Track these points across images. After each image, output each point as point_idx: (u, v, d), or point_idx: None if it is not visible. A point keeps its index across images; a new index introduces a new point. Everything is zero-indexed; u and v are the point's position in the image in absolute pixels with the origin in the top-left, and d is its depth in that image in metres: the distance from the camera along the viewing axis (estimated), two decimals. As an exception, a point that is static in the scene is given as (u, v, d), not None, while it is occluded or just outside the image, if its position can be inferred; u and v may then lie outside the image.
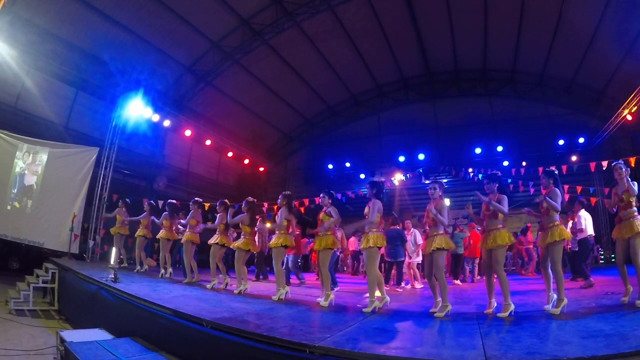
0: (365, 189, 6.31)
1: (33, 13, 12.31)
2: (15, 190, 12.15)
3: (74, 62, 13.87)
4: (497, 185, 5.50)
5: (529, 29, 15.52)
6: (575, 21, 14.21)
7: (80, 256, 12.15)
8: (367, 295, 5.92)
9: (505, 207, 5.30)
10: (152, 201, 11.09)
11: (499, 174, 5.66)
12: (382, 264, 10.28)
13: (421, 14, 15.96)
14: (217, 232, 8.36)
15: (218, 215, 8.39)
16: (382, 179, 17.12)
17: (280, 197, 7.48)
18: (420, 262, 10.17)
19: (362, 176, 19.35)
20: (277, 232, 7.32)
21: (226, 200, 8.53)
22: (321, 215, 6.68)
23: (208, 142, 16.14)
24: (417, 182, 18.58)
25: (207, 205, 11.98)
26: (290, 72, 17.50)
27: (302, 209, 15.75)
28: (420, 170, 18.40)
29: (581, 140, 17.45)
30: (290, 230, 7.39)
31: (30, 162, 12.37)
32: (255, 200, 8.22)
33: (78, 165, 12.35)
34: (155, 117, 13.60)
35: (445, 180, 18.73)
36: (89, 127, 14.69)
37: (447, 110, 19.56)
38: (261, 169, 19.15)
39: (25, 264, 13.53)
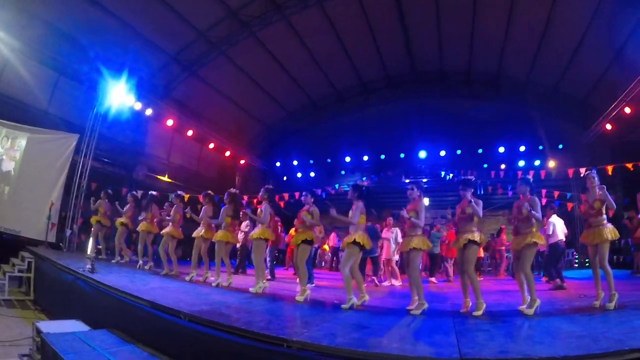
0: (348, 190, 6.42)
1: None
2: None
3: (56, 45, 13.48)
4: (472, 190, 5.73)
5: (516, 33, 15.66)
6: (562, 29, 14.40)
7: (57, 245, 11.91)
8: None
9: (480, 211, 5.51)
10: (134, 192, 10.92)
11: (473, 179, 6.02)
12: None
13: (409, 12, 16.00)
14: (201, 225, 8.27)
15: (203, 207, 8.33)
16: (365, 183, 17.32)
17: (262, 190, 7.45)
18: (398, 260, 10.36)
19: (343, 172, 19.42)
20: (258, 225, 7.31)
21: (210, 192, 8.50)
22: (302, 213, 6.76)
23: (190, 133, 15.92)
24: (398, 180, 18.80)
25: (186, 196, 11.90)
26: (276, 65, 17.36)
27: (281, 204, 15.84)
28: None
29: (560, 146, 17.80)
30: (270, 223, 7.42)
31: (9, 147, 12.05)
32: (237, 192, 8.22)
33: (57, 152, 12.10)
34: (138, 105, 13.36)
35: (424, 180, 19.14)
36: (69, 113, 14.27)
37: (431, 110, 19.64)
38: (242, 161, 18.99)
39: (0, 252, 13.66)
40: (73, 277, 7.24)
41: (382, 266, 10.67)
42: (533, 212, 5.36)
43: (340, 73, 18.85)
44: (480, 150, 18.76)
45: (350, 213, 6.10)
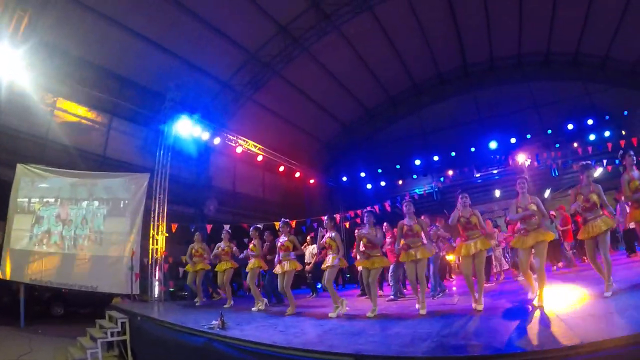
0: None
1: (56, 36, 10.35)
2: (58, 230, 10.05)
3: (105, 86, 11.89)
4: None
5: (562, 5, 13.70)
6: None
7: (140, 296, 9.93)
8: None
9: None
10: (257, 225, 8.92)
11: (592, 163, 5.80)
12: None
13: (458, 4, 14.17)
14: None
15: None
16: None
17: (327, 220, 6.72)
18: None
19: (415, 176, 17.21)
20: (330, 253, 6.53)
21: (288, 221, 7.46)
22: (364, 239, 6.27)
23: (259, 158, 13.90)
24: (469, 177, 16.60)
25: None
26: (328, 78, 15.52)
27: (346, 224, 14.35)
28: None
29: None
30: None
31: (71, 198, 10.32)
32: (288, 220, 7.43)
33: (129, 195, 10.20)
34: (205, 135, 11.48)
35: (495, 171, 17.07)
36: (128, 155, 12.60)
37: (487, 101, 17.54)
38: (311, 181, 16.81)
39: (71, 309, 11.68)
40: (205, 339, 5.14)
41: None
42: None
43: (393, 77, 16.87)
44: (549, 131, 16.46)
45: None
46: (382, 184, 17.58)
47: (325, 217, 6.86)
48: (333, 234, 6.52)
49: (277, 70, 14.14)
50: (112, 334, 7.16)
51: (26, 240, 10.06)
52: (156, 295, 9.68)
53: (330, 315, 6.00)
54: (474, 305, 5.31)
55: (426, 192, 16.46)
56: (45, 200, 10.30)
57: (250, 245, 7.63)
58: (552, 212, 10.45)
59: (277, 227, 8.01)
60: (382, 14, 13.84)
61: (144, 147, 12.80)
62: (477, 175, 16.85)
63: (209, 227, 9.65)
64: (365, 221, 6.36)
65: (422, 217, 7.66)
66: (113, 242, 9.79)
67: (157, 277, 9.51)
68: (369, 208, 6.80)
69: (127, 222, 9.85)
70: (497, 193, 17.06)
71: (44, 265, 9.80)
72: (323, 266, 6.60)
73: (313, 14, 13.14)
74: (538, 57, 16.95)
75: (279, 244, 7.00)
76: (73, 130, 11.47)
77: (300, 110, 16.15)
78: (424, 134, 17.75)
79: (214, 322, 5.71)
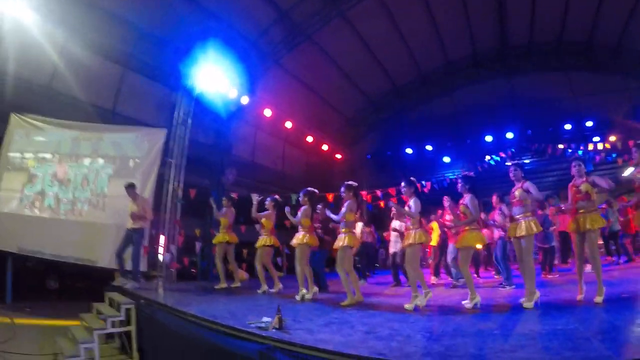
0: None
1: None
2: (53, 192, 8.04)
3: (119, 34, 9.78)
4: (469, 186, 5.03)
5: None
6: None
7: (148, 274, 7.97)
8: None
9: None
10: (276, 197, 6.99)
11: (472, 174, 5.39)
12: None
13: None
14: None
15: (303, 208, 5.97)
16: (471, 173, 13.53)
17: (344, 187, 5.59)
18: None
19: (447, 159, 15.29)
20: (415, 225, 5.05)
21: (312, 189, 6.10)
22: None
23: (288, 125, 11.82)
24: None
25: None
26: (361, 47, 13.38)
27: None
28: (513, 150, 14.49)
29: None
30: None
31: (71, 154, 8.31)
32: (315, 190, 6.17)
33: (139, 154, 8.17)
34: (233, 92, 9.40)
35: (527, 161, 15.28)
36: (140, 112, 10.51)
37: (522, 86, 15.62)
38: (338, 156, 14.74)
39: (68, 283, 9.80)
40: (260, 347, 3.19)
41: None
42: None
43: (427, 53, 14.67)
44: (589, 123, 14.69)
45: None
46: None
47: (402, 183, 5.25)
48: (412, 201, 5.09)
49: (309, 34, 12.02)
50: (113, 324, 5.20)
51: (16, 203, 8.10)
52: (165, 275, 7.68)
53: (406, 306, 4.75)
54: (579, 296, 4.49)
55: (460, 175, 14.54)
56: (40, 155, 8.31)
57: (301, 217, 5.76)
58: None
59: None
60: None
61: (159, 107, 10.76)
62: (509, 163, 15.01)
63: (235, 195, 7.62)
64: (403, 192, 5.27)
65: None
66: (118, 208, 7.65)
67: (170, 252, 7.47)
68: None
69: (137, 184, 7.80)
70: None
71: (35, 232, 7.80)
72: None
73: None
74: (578, 46, 15.05)
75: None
76: (79, 80, 9.33)
77: (327, 81, 14.00)
78: (456, 115, 15.73)
79: (265, 319, 3.77)
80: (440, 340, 3.24)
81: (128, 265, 6.89)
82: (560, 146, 14.24)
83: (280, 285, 6.70)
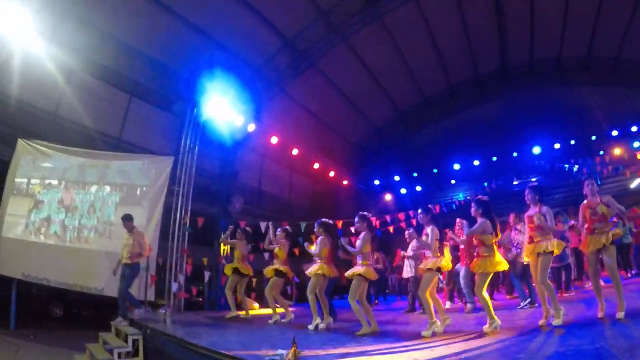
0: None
1: (82, 9, 8.55)
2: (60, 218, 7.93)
3: (127, 63, 9.92)
4: (482, 210, 4.69)
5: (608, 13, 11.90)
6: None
7: (155, 304, 7.73)
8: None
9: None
10: (286, 227, 6.85)
11: (486, 198, 4.89)
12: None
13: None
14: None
15: (320, 239, 5.74)
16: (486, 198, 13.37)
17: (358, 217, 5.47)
18: None
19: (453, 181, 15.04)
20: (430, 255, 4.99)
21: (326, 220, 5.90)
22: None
23: (295, 152, 11.76)
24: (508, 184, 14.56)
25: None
26: (364, 73, 13.51)
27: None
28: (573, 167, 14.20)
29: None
30: None
31: (78, 181, 8.23)
32: (330, 221, 5.97)
33: (146, 182, 8.08)
34: (240, 120, 9.39)
35: (534, 179, 14.78)
36: (146, 140, 10.51)
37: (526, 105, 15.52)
38: (345, 182, 14.64)
39: (74, 311, 9.61)
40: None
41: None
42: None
43: (429, 76, 14.81)
44: (593, 137, 14.56)
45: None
46: (418, 188, 15.38)
47: (420, 211, 5.09)
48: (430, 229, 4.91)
49: (313, 60, 12.19)
50: (119, 355, 4.96)
51: (21, 228, 7.97)
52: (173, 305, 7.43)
53: (423, 334, 4.56)
54: (599, 313, 4.30)
55: (468, 198, 14.27)
56: (47, 181, 8.22)
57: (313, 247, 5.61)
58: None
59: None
60: (427, 5, 12.00)
61: (165, 134, 10.79)
62: (516, 182, 14.80)
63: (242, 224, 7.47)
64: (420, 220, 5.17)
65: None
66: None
67: (178, 282, 7.24)
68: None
69: (143, 213, 7.68)
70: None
71: (40, 259, 7.64)
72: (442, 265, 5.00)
73: (356, 1, 11.32)
74: (578, 62, 15.13)
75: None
76: (86, 108, 9.39)
77: (332, 108, 14.08)
78: (461, 138, 15.67)
79: (280, 351, 3.54)
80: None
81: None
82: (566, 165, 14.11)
83: (292, 315, 6.46)
